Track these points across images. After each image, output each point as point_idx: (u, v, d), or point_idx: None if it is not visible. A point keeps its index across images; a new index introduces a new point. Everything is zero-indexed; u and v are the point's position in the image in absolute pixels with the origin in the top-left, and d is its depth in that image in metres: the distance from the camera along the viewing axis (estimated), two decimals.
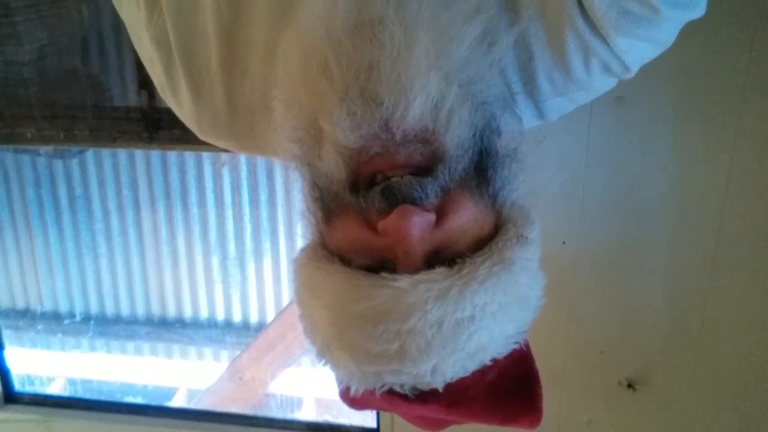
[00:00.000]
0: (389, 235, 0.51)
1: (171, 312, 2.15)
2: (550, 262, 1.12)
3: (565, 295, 1.10)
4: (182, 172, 1.95)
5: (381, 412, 1.32)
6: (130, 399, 2.04)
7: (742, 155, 0.97)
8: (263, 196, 1.94)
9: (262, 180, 1.92)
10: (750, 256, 1.02)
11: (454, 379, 0.54)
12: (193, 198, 1.98)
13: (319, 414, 1.96)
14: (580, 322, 1.11)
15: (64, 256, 2.10)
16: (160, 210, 2.00)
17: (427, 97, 0.51)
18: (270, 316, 2.08)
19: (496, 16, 0.57)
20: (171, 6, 0.63)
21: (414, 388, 0.55)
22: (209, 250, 2.04)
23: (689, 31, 0.60)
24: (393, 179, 0.51)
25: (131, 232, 2.05)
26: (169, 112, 1.24)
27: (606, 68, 0.59)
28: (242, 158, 1.90)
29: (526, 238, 0.56)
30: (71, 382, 2.12)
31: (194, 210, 1.99)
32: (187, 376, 2.16)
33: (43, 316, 2.17)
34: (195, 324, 2.14)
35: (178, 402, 2.05)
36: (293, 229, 1.96)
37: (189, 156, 1.92)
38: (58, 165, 1.98)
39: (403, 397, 0.56)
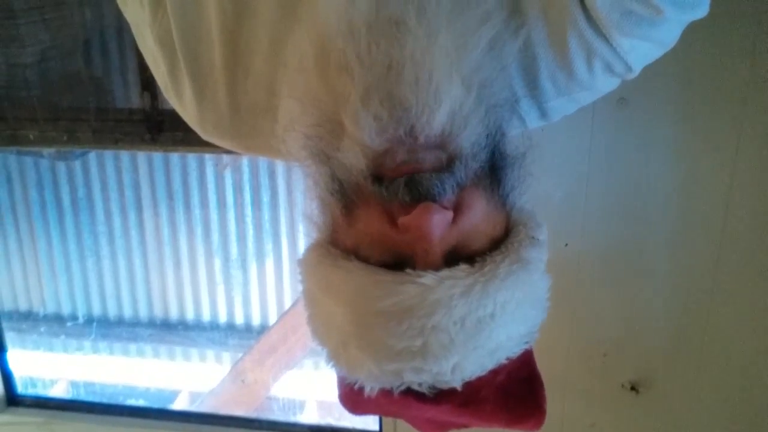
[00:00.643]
0: (410, 231, 0.51)
1: (173, 314, 2.15)
2: (552, 264, 1.11)
3: (567, 298, 1.10)
4: (184, 173, 1.95)
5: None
6: (132, 401, 2.05)
7: (745, 156, 0.96)
8: (265, 198, 1.95)
9: (265, 181, 1.93)
10: (753, 258, 1.02)
11: (473, 377, 0.54)
12: (195, 200, 1.98)
13: (321, 417, 1.96)
14: (582, 325, 1.11)
15: (66, 258, 2.11)
16: (162, 212, 2.00)
17: (452, 103, 0.51)
18: (272, 318, 2.09)
19: (505, 20, 0.57)
20: (175, 6, 0.63)
21: (432, 387, 0.55)
22: (211, 252, 2.04)
23: (691, 31, 0.60)
24: (416, 174, 0.51)
25: (134, 233, 2.05)
26: (171, 114, 1.24)
27: (609, 68, 0.59)
28: (244, 160, 1.90)
29: (537, 239, 0.57)
30: (74, 384, 2.13)
31: (196, 212, 1.99)
32: (190, 379, 2.17)
33: (46, 318, 2.18)
34: (197, 326, 2.14)
35: (180, 405, 2.06)
36: (295, 231, 1.96)
37: (191, 158, 1.92)
38: (61, 167, 1.98)
39: (417, 398, 0.56)
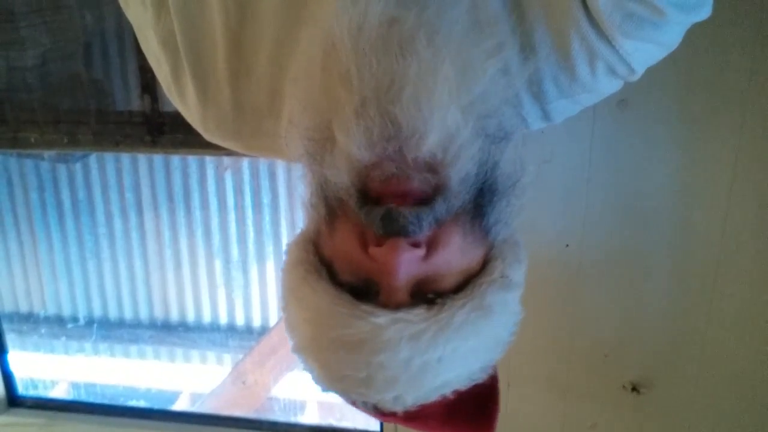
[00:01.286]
0: (378, 263, 0.52)
1: (174, 315, 2.15)
2: (553, 265, 1.12)
3: (568, 298, 1.10)
4: (185, 175, 1.95)
5: None
6: (133, 402, 2.05)
7: (746, 158, 0.96)
8: (266, 200, 1.95)
9: (265, 183, 1.93)
10: (754, 259, 1.02)
11: (415, 405, 0.55)
12: (195, 202, 1.98)
13: (322, 417, 1.96)
14: (583, 326, 1.11)
15: (67, 259, 2.11)
16: (163, 214, 2.00)
17: (445, 130, 0.51)
18: (273, 319, 2.09)
19: (517, 52, 0.58)
20: (178, 6, 0.63)
21: (374, 407, 0.56)
22: (212, 254, 2.04)
23: (692, 33, 0.60)
24: (394, 207, 0.51)
25: (134, 235, 2.05)
26: (171, 116, 1.25)
27: (611, 70, 0.59)
28: (245, 162, 1.90)
29: (510, 280, 0.56)
30: (74, 385, 2.13)
31: (197, 213, 1.99)
32: (190, 380, 2.17)
33: (47, 319, 2.18)
34: (198, 327, 2.14)
35: (181, 405, 2.06)
36: (296, 232, 1.96)
37: (192, 160, 1.92)
38: (62, 169, 1.98)
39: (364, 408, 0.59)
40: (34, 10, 1.25)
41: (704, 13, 0.56)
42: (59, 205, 2.05)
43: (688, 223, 1.02)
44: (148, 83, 1.19)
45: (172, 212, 2.00)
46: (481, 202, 0.55)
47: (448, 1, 0.53)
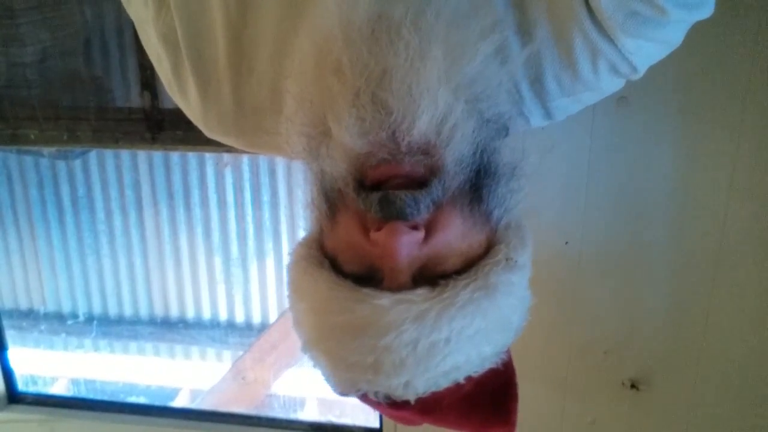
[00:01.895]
0: (379, 247, 0.52)
1: (174, 312, 2.15)
2: (552, 263, 1.12)
3: (567, 296, 1.10)
4: (185, 172, 1.95)
5: None
6: (133, 399, 2.05)
7: (745, 155, 0.96)
8: (266, 197, 1.95)
9: (265, 180, 1.92)
10: (753, 256, 1.02)
11: (427, 393, 0.55)
12: (195, 198, 1.98)
13: (321, 414, 1.97)
14: (582, 323, 1.11)
15: (67, 256, 2.11)
16: (162, 210, 2.00)
17: (435, 112, 0.51)
18: (273, 316, 2.09)
19: (512, 34, 0.58)
20: (178, 3, 0.64)
21: (387, 397, 0.56)
22: (212, 251, 2.04)
23: (691, 30, 0.60)
24: (391, 191, 0.52)
25: (134, 232, 2.05)
26: (171, 113, 1.24)
27: (614, 69, 0.59)
28: (245, 159, 1.90)
29: (515, 261, 0.56)
30: (74, 382, 2.13)
31: (197, 210, 1.99)
32: (190, 377, 2.17)
33: (47, 316, 2.18)
34: (198, 324, 2.15)
35: (181, 402, 2.06)
36: (296, 230, 1.96)
37: (191, 157, 1.92)
38: (61, 166, 1.98)
39: (378, 402, 0.57)
40: (34, 7, 1.25)
41: (706, 11, 0.56)
42: (59, 201, 2.04)
43: (688, 220, 1.02)
44: (148, 80, 1.19)
45: (171, 209, 2.00)
46: (480, 184, 0.55)
47: None
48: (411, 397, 0.54)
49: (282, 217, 1.96)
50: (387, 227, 0.51)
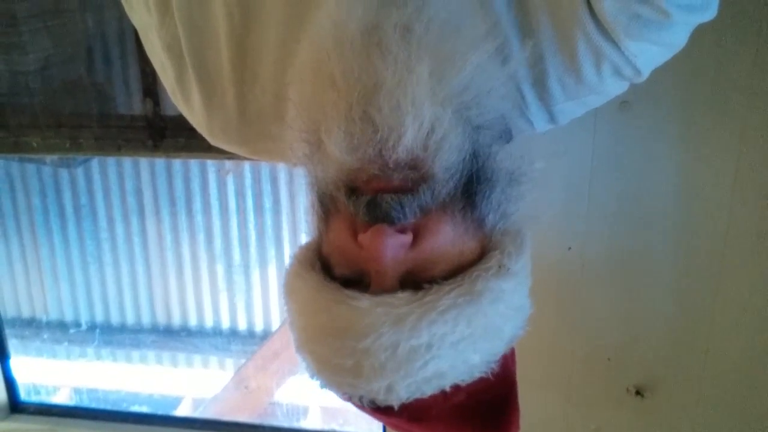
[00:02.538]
0: (365, 250, 0.52)
1: (176, 320, 2.15)
2: (555, 268, 1.12)
3: (571, 301, 1.09)
4: (187, 180, 1.96)
5: None
6: (135, 408, 2.05)
7: (748, 159, 0.96)
8: (267, 204, 1.95)
9: (267, 188, 1.93)
10: (758, 261, 1.01)
11: (410, 399, 0.54)
12: (197, 206, 1.98)
13: (324, 422, 1.96)
14: (586, 329, 1.11)
15: (69, 264, 2.11)
16: (164, 218, 2.01)
17: (420, 128, 0.51)
18: (275, 324, 2.08)
19: (507, 35, 0.58)
20: (182, 12, 0.64)
21: (372, 402, 0.55)
22: (214, 258, 2.04)
23: (694, 33, 0.60)
24: (378, 195, 0.52)
25: (136, 240, 2.05)
26: (173, 120, 1.25)
27: (617, 72, 0.59)
28: (246, 166, 1.90)
29: (508, 269, 0.55)
30: (77, 391, 2.13)
31: (199, 218, 2.00)
32: (193, 385, 2.16)
33: (49, 325, 2.18)
34: (200, 332, 2.14)
35: (183, 411, 2.05)
36: (298, 236, 1.97)
37: (193, 164, 1.93)
38: (64, 174, 1.99)
39: (369, 407, 0.57)
40: (36, 15, 1.25)
41: (710, 13, 0.56)
42: (61, 209, 2.05)
43: (691, 224, 1.02)
44: (150, 87, 1.20)
45: (173, 216, 2.01)
46: (472, 190, 0.55)
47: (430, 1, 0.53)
48: (394, 403, 0.54)
49: (284, 223, 1.96)
50: (372, 229, 0.51)
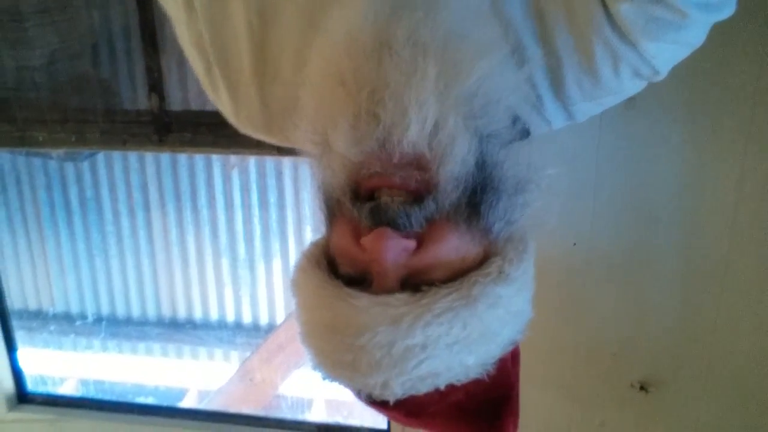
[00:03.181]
0: (367, 252, 0.53)
1: (181, 313, 2.16)
2: (561, 264, 1.12)
3: (576, 297, 1.10)
4: (192, 174, 1.96)
5: None
6: (141, 399, 2.06)
7: (754, 156, 0.96)
8: (272, 198, 1.95)
9: (272, 182, 1.93)
10: (763, 257, 1.01)
11: (405, 396, 0.55)
12: (203, 200, 1.99)
13: (329, 415, 1.97)
14: (591, 324, 1.11)
15: (75, 257, 2.12)
16: (170, 212, 2.01)
17: (424, 123, 0.51)
18: (280, 317, 2.09)
19: (522, 41, 0.58)
20: (205, 16, 0.66)
21: (368, 396, 0.56)
22: (219, 252, 2.05)
23: None
24: (383, 199, 0.54)
25: (142, 234, 2.06)
26: (179, 115, 1.25)
27: (636, 73, 0.59)
28: (252, 161, 1.91)
29: (507, 275, 0.56)
30: (83, 382, 2.14)
31: (204, 212, 2.00)
32: (198, 377, 2.18)
33: (55, 317, 2.19)
34: (205, 325, 2.15)
35: (188, 402, 2.07)
36: (302, 231, 1.97)
37: (199, 159, 1.93)
38: (70, 168, 2.00)
39: (369, 400, 0.59)
40: (42, 10, 1.25)
41: (727, 11, 0.56)
42: (67, 203, 2.06)
43: (696, 221, 1.01)
44: (156, 82, 1.20)
45: (179, 210, 2.01)
46: (478, 201, 0.55)
47: (442, 4, 0.54)
48: (390, 398, 0.55)
49: (289, 218, 1.97)
50: (376, 231, 0.52)
